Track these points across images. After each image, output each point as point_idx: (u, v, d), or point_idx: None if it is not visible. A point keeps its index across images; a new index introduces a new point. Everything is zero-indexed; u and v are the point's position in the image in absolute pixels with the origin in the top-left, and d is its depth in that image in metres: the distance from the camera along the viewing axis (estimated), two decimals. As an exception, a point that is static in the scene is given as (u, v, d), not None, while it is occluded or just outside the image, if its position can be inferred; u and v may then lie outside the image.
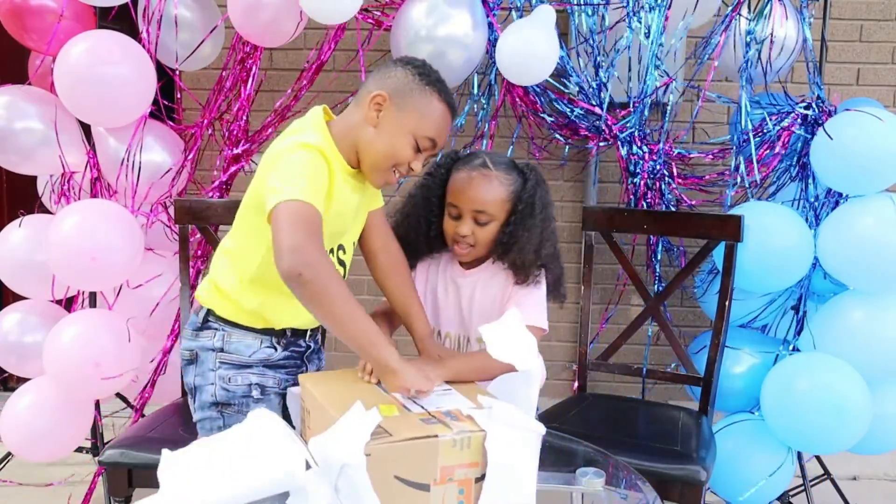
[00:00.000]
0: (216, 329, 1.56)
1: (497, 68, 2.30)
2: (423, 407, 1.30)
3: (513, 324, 1.34)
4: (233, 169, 2.50)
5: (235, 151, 2.48)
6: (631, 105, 2.41)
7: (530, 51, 2.20)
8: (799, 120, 2.30)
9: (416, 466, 1.16)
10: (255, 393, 1.55)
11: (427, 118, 1.50)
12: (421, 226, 1.75)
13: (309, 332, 1.62)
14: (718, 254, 2.19)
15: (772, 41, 2.28)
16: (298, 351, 1.62)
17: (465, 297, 1.75)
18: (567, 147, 2.55)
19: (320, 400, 1.33)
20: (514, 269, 1.69)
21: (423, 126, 1.50)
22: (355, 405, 1.16)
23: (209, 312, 1.57)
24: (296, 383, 1.53)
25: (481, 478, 1.21)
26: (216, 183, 2.51)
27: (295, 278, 1.28)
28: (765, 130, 2.35)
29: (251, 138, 2.51)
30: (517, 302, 1.66)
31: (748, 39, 2.28)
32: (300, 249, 1.28)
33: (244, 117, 2.47)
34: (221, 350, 1.55)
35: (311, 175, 1.37)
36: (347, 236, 1.60)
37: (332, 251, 1.56)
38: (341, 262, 1.59)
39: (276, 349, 1.57)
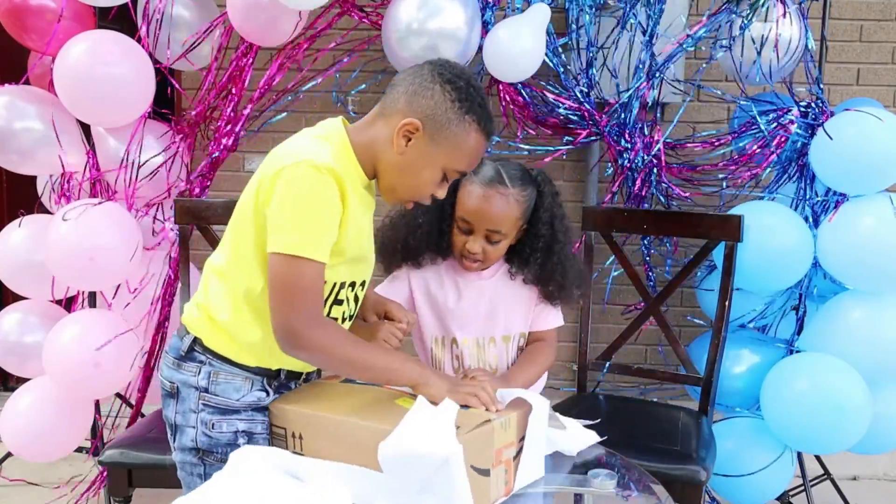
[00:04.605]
0: (202, 363, 1.37)
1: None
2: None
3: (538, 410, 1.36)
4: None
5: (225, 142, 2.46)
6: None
7: (516, 47, 2.19)
8: (797, 120, 2.30)
9: (480, 453, 1.21)
10: (242, 441, 1.37)
11: (461, 152, 1.33)
12: (433, 235, 1.69)
13: (304, 375, 1.46)
14: (718, 254, 2.19)
15: (776, 43, 2.27)
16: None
17: (485, 299, 1.73)
18: (566, 146, 2.54)
19: (326, 414, 1.28)
20: (540, 289, 1.76)
21: (456, 161, 1.33)
22: (445, 403, 1.23)
23: (196, 341, 1.38)
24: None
25: (516, 455, 1.30)
26: (195, 174, 2.48)
27: (294, 354, 1.29)
28: (764, 130, 2.35)
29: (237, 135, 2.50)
30: (545, 313, 1.80)
31: (756, 45, 2.27)
32: (295, 334, 1.26)
33: (240, 119, 2.47)
34: (206, 390, 1.37)
35: (318, 215, 1.25)
36: (368, 265, 1.46)
37: (351, 285, 1.41)
38: (356, 299, 1.45)
39: (267, 392, 1.39)
